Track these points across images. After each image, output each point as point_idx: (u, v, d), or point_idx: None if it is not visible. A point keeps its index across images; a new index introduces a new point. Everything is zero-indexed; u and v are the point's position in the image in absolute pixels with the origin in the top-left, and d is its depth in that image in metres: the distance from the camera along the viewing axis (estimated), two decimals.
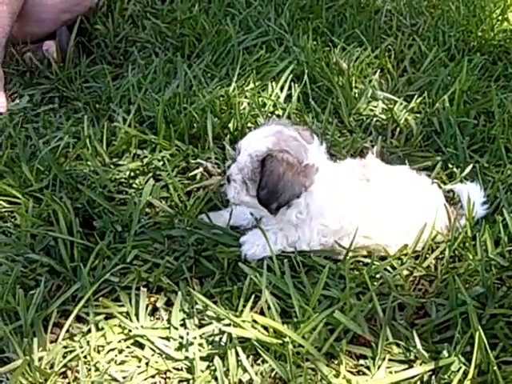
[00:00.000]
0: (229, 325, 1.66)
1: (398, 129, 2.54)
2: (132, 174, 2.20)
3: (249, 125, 2.45)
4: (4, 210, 2.06)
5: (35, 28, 2.93)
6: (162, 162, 2.25)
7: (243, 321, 1.65)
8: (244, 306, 1.71)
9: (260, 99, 2.58)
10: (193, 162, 2.26)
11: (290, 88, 2.64)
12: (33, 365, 1.58)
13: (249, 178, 1.79)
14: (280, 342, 1.62)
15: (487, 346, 1.56)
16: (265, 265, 1.75)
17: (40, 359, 1.63)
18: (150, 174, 2.20)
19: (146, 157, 2.27)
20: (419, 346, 1.63)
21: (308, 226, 1.86)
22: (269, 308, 1.69)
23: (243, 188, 1.81)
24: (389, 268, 1.89)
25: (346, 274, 1.77)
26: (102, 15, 3.15)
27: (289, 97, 2.61)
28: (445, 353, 1.62)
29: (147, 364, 1.64)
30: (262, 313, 1.70)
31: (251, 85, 2.66)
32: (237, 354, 1.61)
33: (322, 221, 1.86)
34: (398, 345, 1.66)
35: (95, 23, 3.08)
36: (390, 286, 1.81)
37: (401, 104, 2.66)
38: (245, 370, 1.60)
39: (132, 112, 2.41)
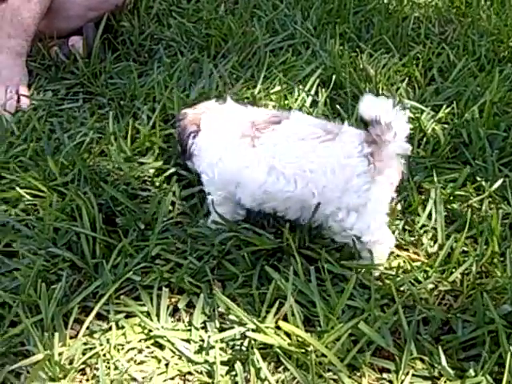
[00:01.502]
0: (251, 330, 1.64)
1: (425, 139, 2.49)
2: (156, 172, 2.18)
3: None
4: (28, 202, 2.05)
5: (62, 24, 2.93)
6: None
7: (266, 327, 1.63)
8: (267, 312, 1.68)
9: (286, 102, 2.56)
10: None
11: (316, 92, 2.61)
12: (53, 360, 1.57)
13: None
14: (303, 350, 1.60)
15: None
16: (291, 270, 1.73)
17: (60, 354, 1.61)
18: (174, 172, 2.18)
19: (170, 156, 2.25)
20: (444, 363, 1.60)
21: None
22: (292, 315, 1.66)
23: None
24: (412, 281, 1.87)
25: (371, 285, 1.75)
26: (127, 13, 3.14)
27: (315, 101, 2.58)
28: (471, 371, 1.58)
29: (167, 365, 1.62)
30: (284, 319, 1.67)
31: (277, 87, 2.63)
32: (258, 361, 1.59)
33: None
34: (422, 360, 1.63)
35: (121, 20, 3.07)
36: (415, 299, 1.78)
37: (428, 113, 2.62)
38: (265, 378, 1.57)
39: (157, 110, 2.40)
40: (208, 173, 1.92)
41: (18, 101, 2.61)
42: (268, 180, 1.81)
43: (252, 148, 1.82)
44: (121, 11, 3.07)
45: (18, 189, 2.09)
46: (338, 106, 2.52)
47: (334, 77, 2.67)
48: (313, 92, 2.60)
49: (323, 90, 2.62)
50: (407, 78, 2.85)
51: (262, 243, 1.87)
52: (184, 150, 1.99)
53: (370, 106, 1.78)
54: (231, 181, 1.87)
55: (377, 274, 1.85)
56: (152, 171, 2.18)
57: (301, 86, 2.64)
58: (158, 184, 2.15)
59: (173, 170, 2.18)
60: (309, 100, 2.58)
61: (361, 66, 2.85)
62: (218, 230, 1.92)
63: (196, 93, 2.51)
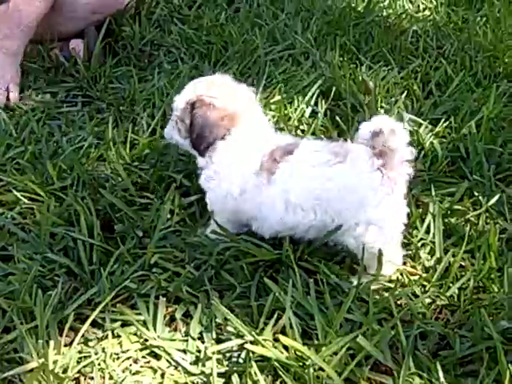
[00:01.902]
0: (249, 342, 1.63)
1: (423, 152, 2.50)
2: (155, 179, 2.17)
3: None
4: (24, 206, 2.03)
5: (64, 26, 2.92)
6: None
7: (264, 339, 1.61)
8: (265, 324, 1.67)
9: (285, 112, 2.56)
10: None
11: (315, 103, 2.61)
12: (47, 368, 1.55)
13: (180, 119, 1.91)
14: (300, 363, 1.59)
15: None
16: (290, 283, 1.72)
17: (54, 363, 1.59)
18: (173, 179, 2.17)
19: (168, 162, 2.24)
20: (442, 379, 1.59)
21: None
22: (291, 327, 1.65)
23: (176, 127, 1.94)
24: (410, 295, 1.86)
25: (370, 299, 1.74)
26: (129, 18, 3.13)
27: (314, 112, 2.58)
28: None
29: (163, 376, 1.61)
30: (282, 332, 1.66)
31: (277, 97, 2.63)
32: (256, 373, 1.58)
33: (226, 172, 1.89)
34: (420, 376, 1.62)
35: (122, 25, 3.06)
36: (413, 313, 1.77)
37: (426, 127, 2.62)
38: None
39: (157, 116, 2.39)
40: (219, 199, 1.90)
41: (8, 98, 2.62)
42: (286, 215, 1.83)
43: (268, 184, 1.82)
44: (122, 16, 3.07)
45: (14, 192, 2.08)
46: (337, 118, 2.53)
47: (333, 88, 2.67)
48: (312, 103, 2.60)
49: (323, 101, 2.62)
50: (406, 91, 2.85)
51: (260, 254, 1.86)
52: (200, 145, 1.90)
53: (368, 125, 1.82)
54: (246, 214, 1.90)
55: (376, 287, 1.85)
56: (151, 178, 2.17)
57: (300, 97, 2.64)
58: (156, 191, 2.14)
59: (172, 177, 2.17)
60: (308, 110, 2.57)
61: (360, 78, 2.85)
62: (216, 240, 1.91)
63: None
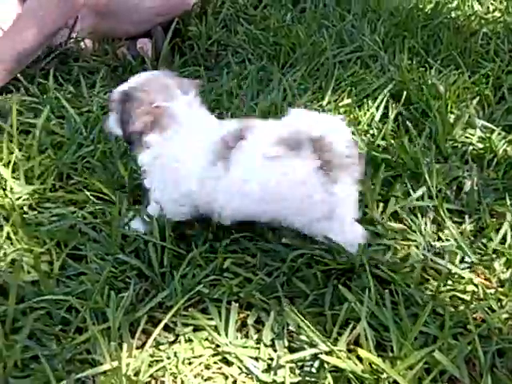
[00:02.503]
0: (323, 352, 1.60)
1: (496, 160, 2.43)
2: None
3: None
4: (95, 205, 2.04)
5: (129, 28, 2.95)
6: None
7: (339, 350, 1.58)
8: (339, 334, 1.64)
9: (355, 115, 2.52)
10: None
11: (386, 107, 2.56)
12: (120, 371, 1.55)
13: (115, 111, 1.91)
14: (375, 376, 1.55)
15: None
16: (366, 293, 1.69)
17: (127, 365, 1.59)
18: None
19: None
20: None
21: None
22: (366, 339, 1.62)
23: (113, 117, 1.93)
24: (486, 309, 1.80)
25: (445, 313, 1.69)
26: (194, 17, 3.13)
27: (384, 116, 2.53)
28: None
29: (234, 383, 1.59)
30: (355, 343, 1.63)
31: (346, 100, 2.59)
32: None
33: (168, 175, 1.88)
34: None
35: (188, 25, 3.06)
36: (490, 328, 1.72)
37: (499, 134, 2.55)
38: None
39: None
40: (169, 189, 1.89)
41: None
42: (242, 205, 1.84)
43: (224, 173, 1.82)
44: (189, 16, 3.07)
45: (85, 191, 2.09)
46: (407, 122, 2.47)
47: (403, 92, 2.61)
48: (382, 107, 2.55)
49: (393, 105, 2.56)
50: (477, 96, 2.78)
51: (333, 262, 1.83)
52: (129, 139, 1.89)
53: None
54: (202, 206, 1.89)
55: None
56: None
57: (370, 100, 2.60)
58: None
59: None
60: (378, 114, 2.53)
61: (430, 81, 2.79)
62: (289, 247, 1.88)
63: (267, 102, 2.48)
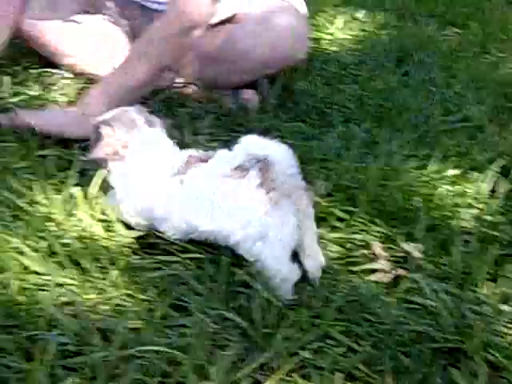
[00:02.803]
0: None
1: None
2: None
3: (446, 213, 2.32)
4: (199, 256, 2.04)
5: (235, 78, 2.96)
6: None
7: None
8: None
9: (460, 187, 2.46)
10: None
11: (495, 182, 2.49)
12: None
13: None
14: None
15: None
16: (479, 379, 1.61)
17: None
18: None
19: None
20: None
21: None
22: None
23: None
24: None
25: None
26: (300, 73, 3.15)
27: (492, 191, 2.46)
28: None
29: None
30: None
31: (451, 171, 2.54)
32: None
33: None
34: None
35: (293, 79, 3.08)
36: None
37: None
38: None
39: (331, 180, 2.36)
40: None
41: None
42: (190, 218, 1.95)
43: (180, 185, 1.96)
44: (295, 70, 3.09)
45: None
46: None
47: None
48: (491, 181, 2.49)
49: (504, 182, 2.49)
50: None
51: (443, 340, 1.76)
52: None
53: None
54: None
55: None
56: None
57: (476, 173, 2.54)
58: None
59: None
60: (486, 188, 2.46)
61: None
62: (397, 319, 1.83)
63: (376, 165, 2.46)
